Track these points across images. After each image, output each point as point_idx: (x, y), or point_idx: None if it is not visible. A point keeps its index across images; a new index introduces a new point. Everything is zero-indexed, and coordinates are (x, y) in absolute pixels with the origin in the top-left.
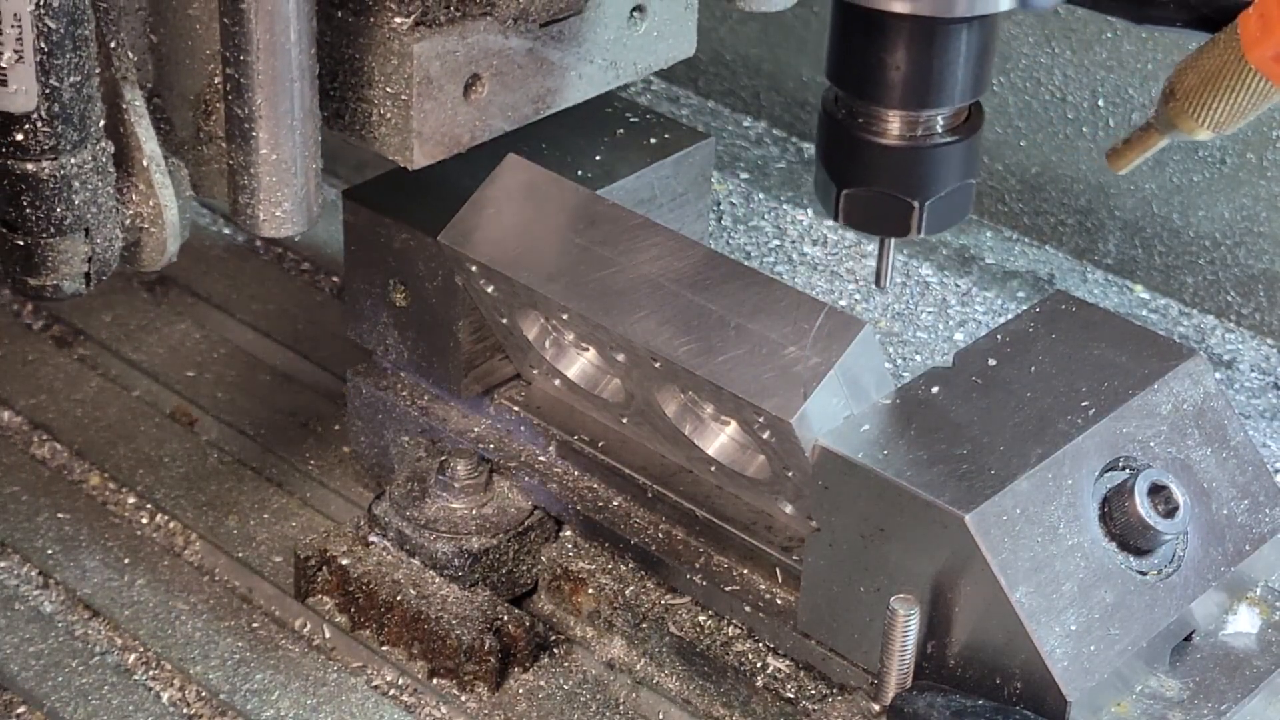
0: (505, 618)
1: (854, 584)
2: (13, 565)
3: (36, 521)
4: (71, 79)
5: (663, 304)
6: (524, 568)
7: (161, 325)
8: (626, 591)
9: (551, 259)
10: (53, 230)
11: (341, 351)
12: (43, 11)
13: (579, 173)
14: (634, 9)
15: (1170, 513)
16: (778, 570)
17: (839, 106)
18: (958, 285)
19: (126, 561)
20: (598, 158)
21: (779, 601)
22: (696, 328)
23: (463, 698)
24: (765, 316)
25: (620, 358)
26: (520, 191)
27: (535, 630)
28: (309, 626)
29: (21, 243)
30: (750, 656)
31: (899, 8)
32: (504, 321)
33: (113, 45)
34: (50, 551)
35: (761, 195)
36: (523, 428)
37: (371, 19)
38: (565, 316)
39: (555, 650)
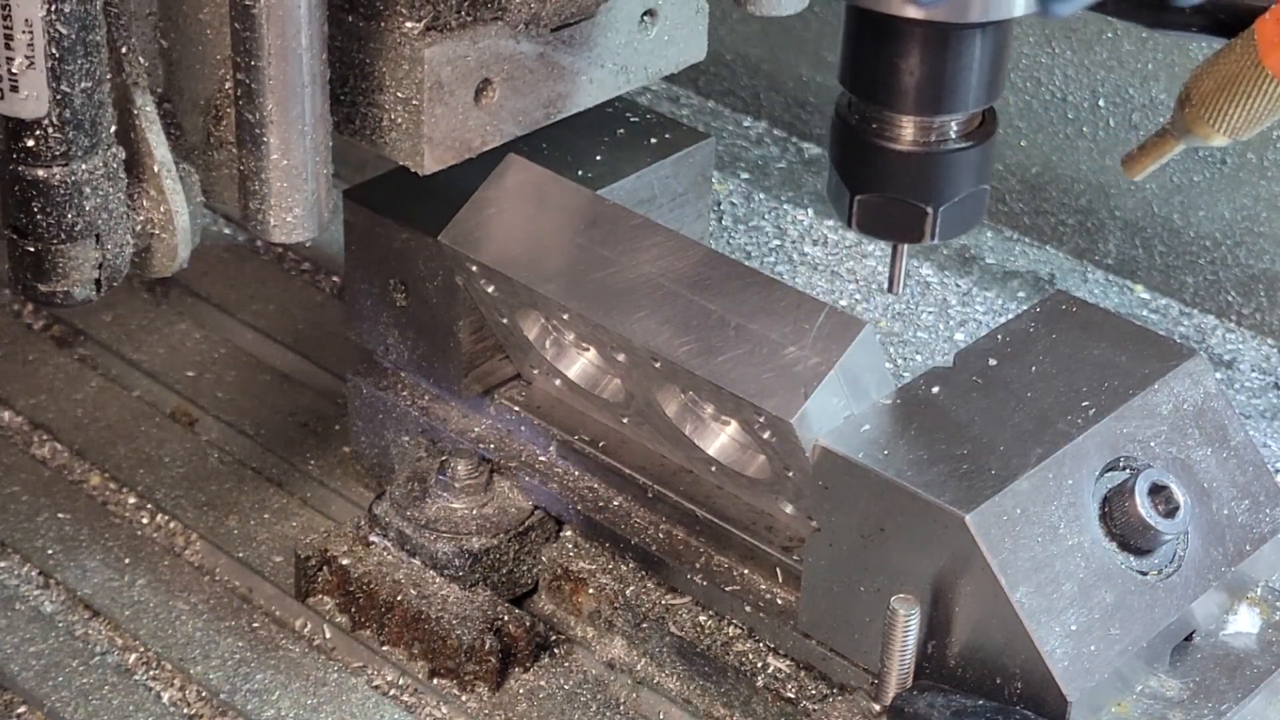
0: (505, 618)
1: (854, 584)
2: (13, 565)
3: (36, 521)
4: (83, 85)
5: (663, 304)
6: (524, 568)
7: (161, 325)
8: (627, 591)
9: (552, 259)
10: (64, 236)
11: (341, 351)
12: (54, 17)
13: (579, 173)
14: (645, 13)
15: (1170, 513)
16: (778, 570)
17: (852, 111)
18: (958, 285)
19: (127, 561)
20: (598, 158)
21: (779, 601)
22: (696, 328)
23: (463, 698)
24: (765, 316)
25: (620, 358)
26: (521, 192)
27: (536, 630)
28: (309, 626)
29: (32, 249)
30: (751, 656)
31: (913, 13)
32: (504, 321)
33: (124, 51)
34: (50, 551)
35: (761, 195)
36: (523, 428)
37: (382, 24)
38: (565, 316)
39: (556, 650)
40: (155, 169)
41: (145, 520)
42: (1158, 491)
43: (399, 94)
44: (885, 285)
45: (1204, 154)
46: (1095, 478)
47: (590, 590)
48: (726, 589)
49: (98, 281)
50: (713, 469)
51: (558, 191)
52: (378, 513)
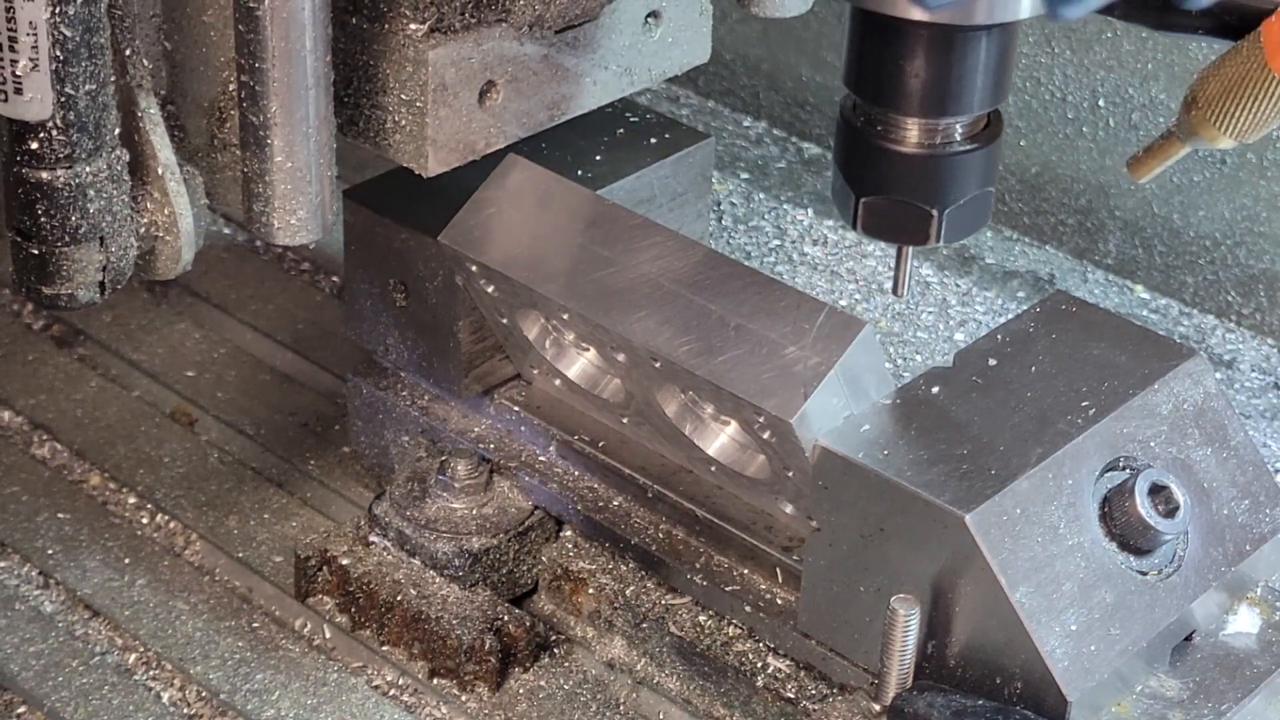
0: (505, 618)
1: (854, 584)
2: (13, 565)
3: (36, 521)
4: (87, 87)
5: (663, 304)
6: (524, 568)
7: (161, 325)
8: (627, 591)
9: (552, 259)
10: (67, 239)
11: (341, 351)
12: (58, 19)
13: (579, 172)
14: (649, 15)
15: (1170, 513)
16: (778, 570)
17: (857, 114)
18: (958, 285)
19: (127, 561)
20: (598, 157)
21: (779, 601)
22: (696, 328)
23: (463, 698)
24: (765, 316)
25: (620, 358)
26: (520, 191)
27: (535, 630)
28: (309, 626)
29: (36, 251)
30: (750, 656)
31: (919, 15)
32: (504, 321)
33: (128, 53)
34: (50, 551)
35: (761, 195)
36: (523, 428)
37: (386, 26)
38: (565, 316)
39: (555, 650)
40: (159, 171)
41: (145, 520)
42: (1158, 491)
43: (403, 96)
44: (885, 285)
45: (1204, 154)
46: (1095, 478)
47: (590, 590)
48: (726, 589)
49: (101, 284)
50: (712, 469)
51: (558, 191)
52: (378, 513)
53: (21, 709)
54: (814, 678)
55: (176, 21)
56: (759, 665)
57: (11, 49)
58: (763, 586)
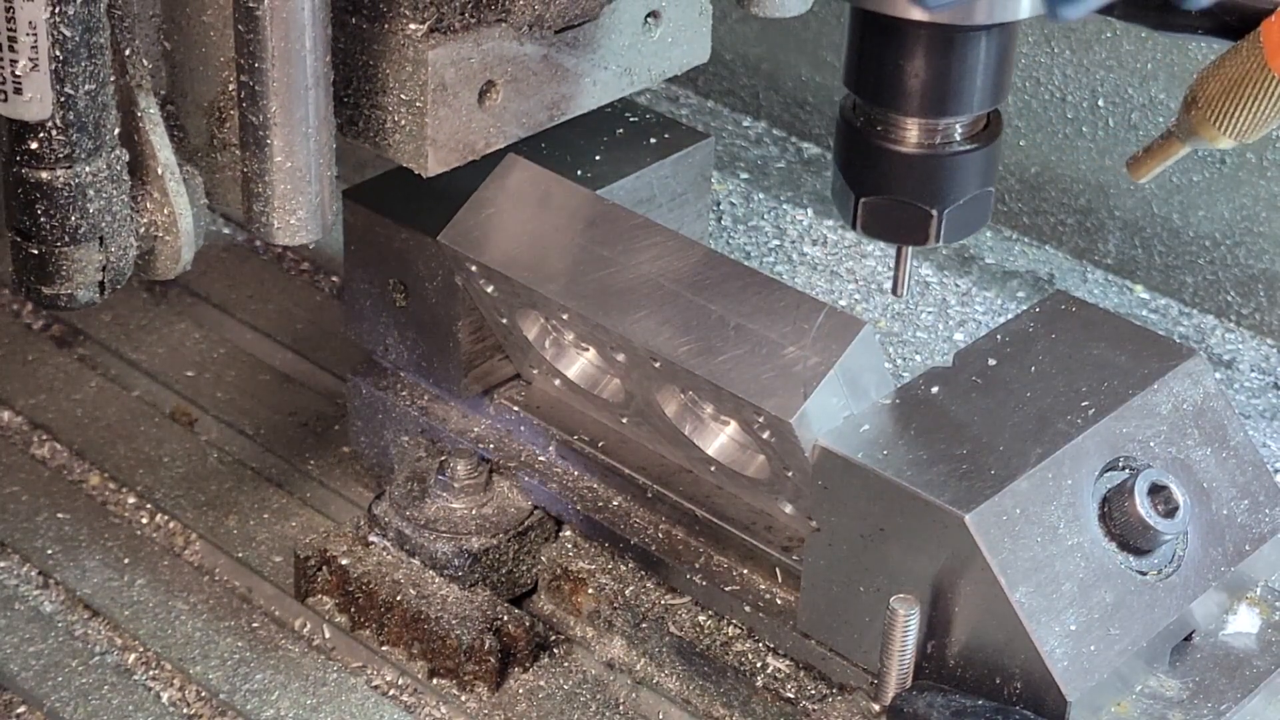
0: (505, 618)
1: (854, 584)
2: (13, 565)
3: (36, 521)
4: (86, 87)
5: (663, 304)
6: (524, 568)
7: (161, 325)
8: (626, 591)
9: (551, 259)
10: (67, 239)
11: (341, 351)
12: (58, 19)
13: (579, 172)
14: (649, 15)
15: (1170, 513)
16: (778, 570)
17: (857, 114)
18: (958, 285)
19: (126, 561)
20: (597, 157)
21: (779, 601)
22: (696, 328)
23: (463, 698)
24: (765, 316)
25: (620, 358)
26: (520, 191)
27: (535, 630)
28: (309, 626)
29: (36, 251)
30: (750, 656)
31: (919, 15)
32: (504, 321)
33: (127, 53)
34: (50, 551)
35: (761, 195)
36: (523, 428)
37: (386, 26)
38: (565, 316)
39: (555, 650)
40: (159, 171)
41: (145, 520)
42: (1157, 491)
43: (403, 96)
44: (885, 285)
45: (1204, 154)
46: (1095, 478)
47: (590, 590)
48: (726, 589)
49: (101, 284)
50: (712, 469)
51: (557, 191)
52: (377, 513)
53: (21, 709)
54: (814, 678)
55: (176, 21)
56: (759, 665)
57: (11, 49)
58: (762, 586)
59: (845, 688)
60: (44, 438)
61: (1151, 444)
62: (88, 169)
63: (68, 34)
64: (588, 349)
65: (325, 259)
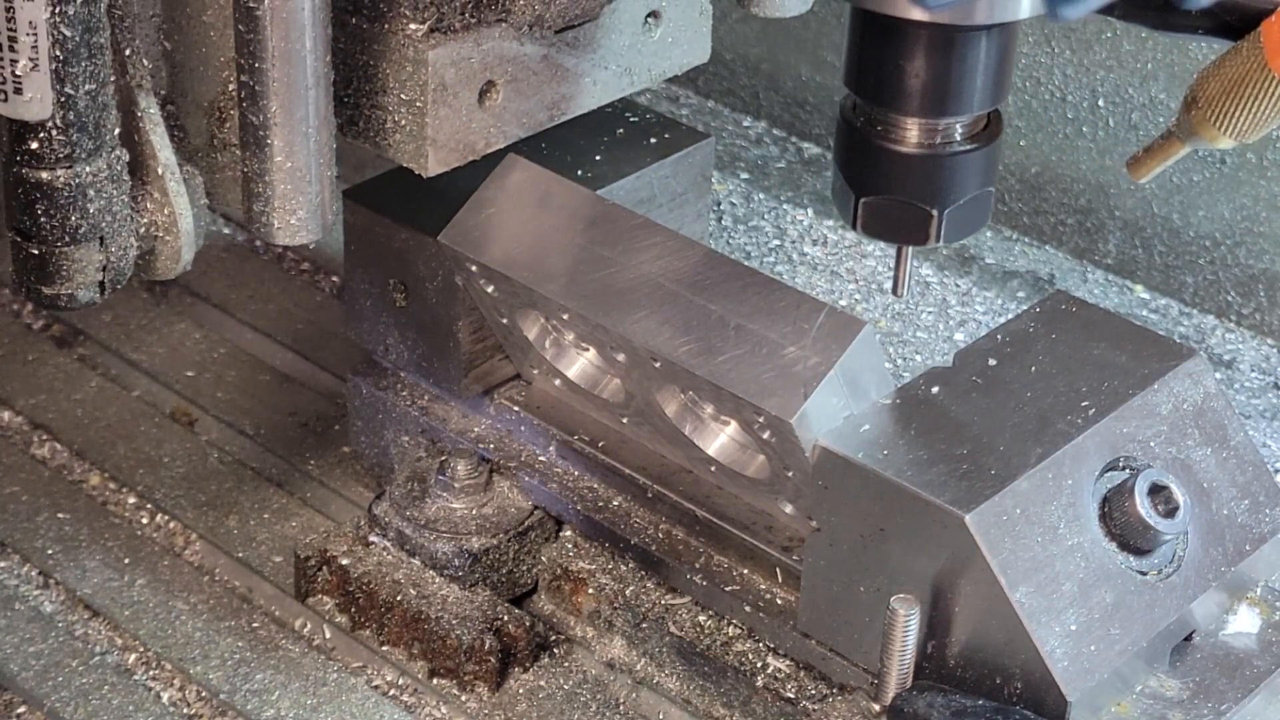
0: (505, 618)
1: (854, 584)
2: (13, 565)
3: (36, 521)
4: (86, 87)
5: (663, 304)
6: (524, 568)
7: (161, 325)
8: (626, 591)
9: (551, 259)
10: (67, 239)
11: (341, 351)
12: (58, 19)
13: (579, 172)
14: (649, 15)
15: (1170, 513)
16: (778, 570)
17: (857, 114)
18: (958, 285)
19: (126, 561)
20: (597, 157)
21: (779, 601)
22: (696, 328)
23: (463, 698)
24: (765, 316)
25: (620, 358)
26: (520, 191)
27: (535, 630)
28: (309, 626)
29: (36, 251)
30: (750, 656)
31: (919, 15)
32: (504, 321)
33: (127, 53)
34: (50, 551)
35: (761, 195)
36: (523, 428)
37: (386, 26)
38: (565, 316)
39: (555, 650)
40: (159, 171)
41: (145, 520)
42: (1157, 491)
43: (403, 96)
44: (885, 285)
45: (1204, 154)
46: (1095, 478)
47: (590, 590)
48: (726, 589)
49: (101, 284)
50: (712, 469)
51: (558, 191)
52: (377, 513)
53: (21, 709)
54: (814, 678)
55: (176, 21)
56: (759, 665)
57: (11, 49)
58: (762, 586)
59: (845, 688)
60: (44, 438)
61: (1152, 444)
62: (88, 169)
63: (68, 34)
64: (588, 349)
65: (325, 259)
